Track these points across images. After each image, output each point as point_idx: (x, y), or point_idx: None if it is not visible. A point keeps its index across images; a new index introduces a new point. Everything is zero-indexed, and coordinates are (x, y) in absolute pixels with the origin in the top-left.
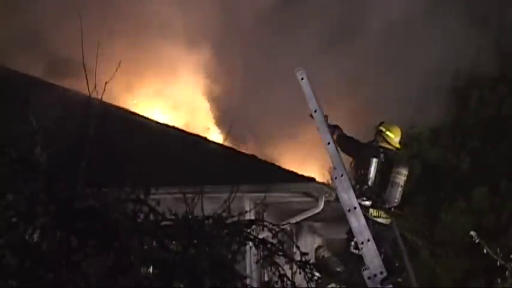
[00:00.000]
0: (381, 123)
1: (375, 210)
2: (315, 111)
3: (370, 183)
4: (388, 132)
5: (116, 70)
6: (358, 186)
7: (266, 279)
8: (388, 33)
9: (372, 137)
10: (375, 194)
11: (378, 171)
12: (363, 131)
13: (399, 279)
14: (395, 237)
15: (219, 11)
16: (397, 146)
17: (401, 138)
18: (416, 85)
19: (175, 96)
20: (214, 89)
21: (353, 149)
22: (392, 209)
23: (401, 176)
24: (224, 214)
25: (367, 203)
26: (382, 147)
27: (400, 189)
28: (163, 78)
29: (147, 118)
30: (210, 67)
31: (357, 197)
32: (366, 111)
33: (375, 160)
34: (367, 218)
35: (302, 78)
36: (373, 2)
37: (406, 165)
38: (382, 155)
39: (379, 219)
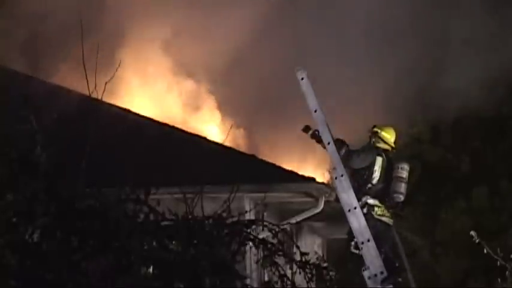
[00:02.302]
0: (374, 126)
1: (380, 209)
2: (315, 111)
3: (374, 182)
4: (383, 133)
5: (116, 70)
6: (361, 186)
7: (266, 279)
8: (388, 33)
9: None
10: (379, 192)
11: (382, 169)
12: (361, 130)
13: (400, 279)
14: (394, 237)
15: (220, 9)
16: (393, 145)
17: (396, 137)
18: (416, 85)
19: (174, 96)
20: (215, 89)
21: (359, 159)
22: (398, 205)
23: (405, 171)
24: (224, 214)
25: (372, 201)
26: (379, 147)
27: (404, 184)
28: (162, 77)
29: (147, 118)
30: (210, 66)
31: (363, 196)
32: (366, 111)
33: (379, 159)
34: (371, 217)
35: (302, 78)
36: (372, 2)
37: (406, 161)
38: (383, 154)
39: (383, 218)
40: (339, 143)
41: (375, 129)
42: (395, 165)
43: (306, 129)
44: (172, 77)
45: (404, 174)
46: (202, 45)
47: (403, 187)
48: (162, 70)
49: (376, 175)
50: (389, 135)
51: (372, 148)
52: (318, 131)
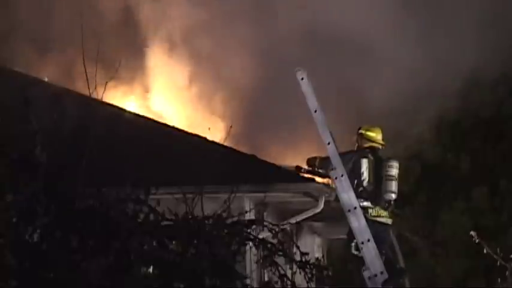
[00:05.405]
0: (360, 128)
1: (374, 210)
2: (315, 111)
3: (365, 184)
4: (369, 133)
5: (116, 70)
6: (354, 190)
7: (266, 279)
8: (388, 33)
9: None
10: (372, 193)
11: (370, 170)
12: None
13: (401, 280)
14: (391, 237)
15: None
16: (382, 143)
17: (382, 135)
18: (416, 85)
19: (176, 95)
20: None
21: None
22: (391, 204)
23: (394, 169)
24: (224, 214)
25: (365, 203)
26: (367, 148)
27: (395, 181)
28: (164, 76)
29: (147, 118)
30: (211, 67)
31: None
32: (365, 112)
33: (365, 161)
34: (366, 219)
35: (302, 78)
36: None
37: (395, 158)
38: (369, 155)
39: (379, 219)
40: (313, 159)
41: (360, 131)
42: (383, 163)
43: (298, 169)
44: (172, 76)
45: (394, 171)
46: (202, 44)
47: (393, 185)
48: (162, 69)
49: (365, 177)
50: (374, 134)
51: (353, 151)
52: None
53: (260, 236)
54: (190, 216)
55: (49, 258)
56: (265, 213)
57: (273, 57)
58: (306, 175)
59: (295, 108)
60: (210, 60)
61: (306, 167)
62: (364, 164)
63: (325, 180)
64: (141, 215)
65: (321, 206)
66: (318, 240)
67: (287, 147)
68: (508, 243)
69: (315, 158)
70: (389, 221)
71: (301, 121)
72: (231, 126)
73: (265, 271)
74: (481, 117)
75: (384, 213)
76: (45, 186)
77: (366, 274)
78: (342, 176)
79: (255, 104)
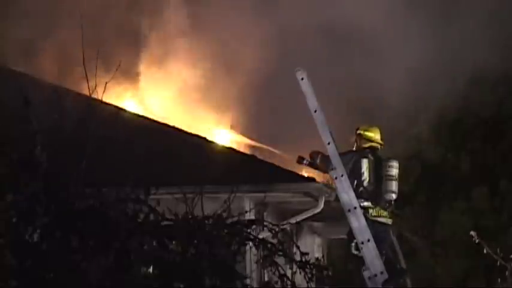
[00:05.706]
0: (358, 128)
1: (374, 210)
2: (315, 111)
3: (365, 184)
4: (367, 133)
5: (116, 70)
6: (354, 191)
7: (266, 279)
8: (388, 32)
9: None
10: (372, 193)
11: (370, 170)
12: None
13: (402, 280)
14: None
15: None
16: (381, 142)
17: (381, 134)
18: (416, 85)
19: (177, 95)
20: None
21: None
22: (392, 204)
23: (394, 169)
24: (224, 214)
25: (366, 203)
26: (367, 148)
27: (395, 181)
28: (164, 76)
29: (147, 118)
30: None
31: (357, 199)
32: (365, 112)
33: (365, 161)
34: (367, 219)
35: (302, 78)
36: None
37: (395, 158)
38: (369, 155)
39: (379, 219)
40: (316, 154)
41: (359, 131)
42: (383, 163)
43: (300, 159)
44: (172, 75)
45: (394, 171)
46: (202, 44)
47: (394, 185)
48: (162, 68)
49: (365, 177)
50: (373, 134)
51: (353, 151)
52: (312, 158)
53: (260, 236)
54: (190, 216)
55: (49, 258)
56: (265, 213)
57: (274, 55)
58: (306, 167)
59: (298, 105)
60: (211, 59)
61: (308, 159)
62: (365, 164)
63: (326, 180)
64: (141, 215)
65: (321, 206)
66: (318, 240)
67: (288, 144)
68: (508, 243)
69: (318, 153)
70: (389, 221)
71: (302, 118)
72: (230, 126)
73: (265, 271)
74: (481, 117)
75: (384, 213)
76: (45, 186)
77: (366, 274)
78: (342, 176)
79: (257, 101)
